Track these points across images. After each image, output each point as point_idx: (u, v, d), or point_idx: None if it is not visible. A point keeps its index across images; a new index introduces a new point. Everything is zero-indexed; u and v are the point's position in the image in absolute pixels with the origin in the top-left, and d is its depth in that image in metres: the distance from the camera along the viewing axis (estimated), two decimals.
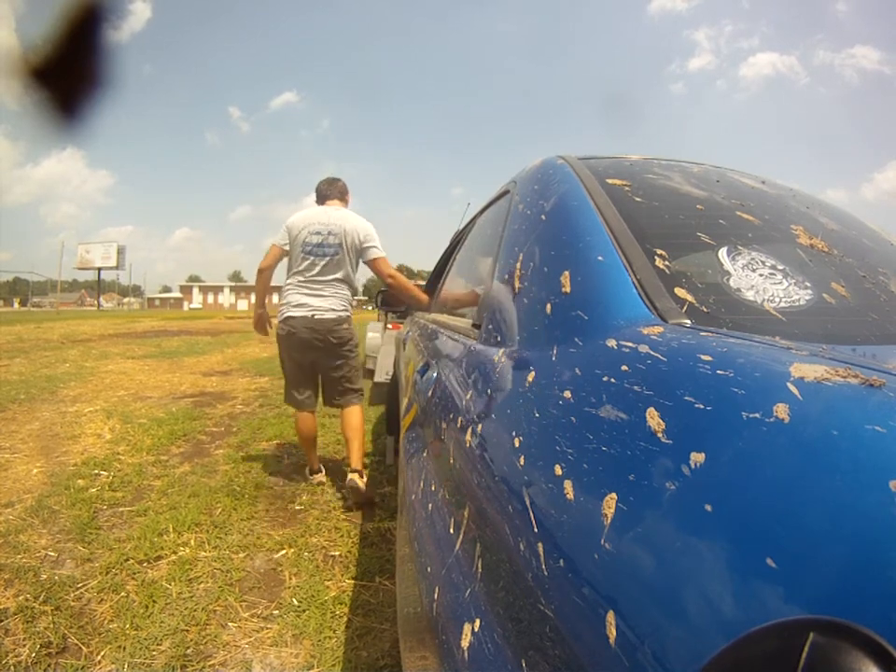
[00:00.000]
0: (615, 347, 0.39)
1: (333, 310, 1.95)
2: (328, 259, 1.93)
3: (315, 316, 1.92)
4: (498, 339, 0.62)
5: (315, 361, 2.03)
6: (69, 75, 0.38)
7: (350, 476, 1.90)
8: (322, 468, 2.25)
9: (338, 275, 1.96)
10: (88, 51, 0.37)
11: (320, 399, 2.20)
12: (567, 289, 0.50)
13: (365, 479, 1.93)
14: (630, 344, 0.38)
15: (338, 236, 1.92)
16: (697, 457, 0.25)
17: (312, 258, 1.93)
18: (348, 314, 2.01)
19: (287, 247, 1.99)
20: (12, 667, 1.13)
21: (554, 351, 0.46)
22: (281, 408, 3.69)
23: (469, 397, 0.59)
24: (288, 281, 2.01)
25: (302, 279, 1.95)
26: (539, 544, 0.32)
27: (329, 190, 2.06)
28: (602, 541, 0.27)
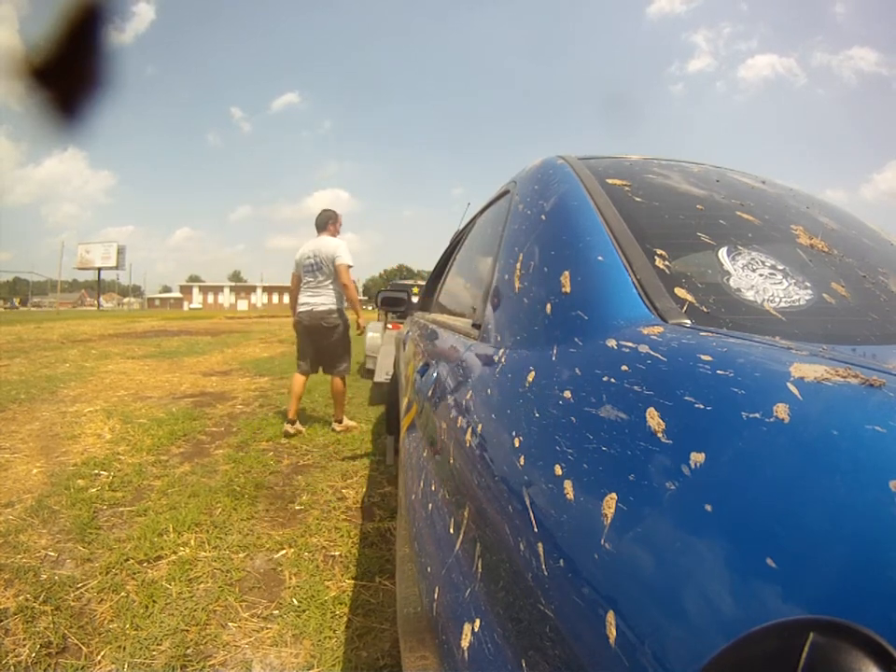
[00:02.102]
0: (615, 347, 0.39)
1: (325, 304, 2.95)
2: (318, 272, 2.95)
3: (314, 310, 2.94)
4: (498, 339, 0.62)
5: (315, 340, 3.01)
6: (71, 75, 0.38)
7: (333, 424, 3.16)
8: (297, 421, 3.07)
9: (328, 282, 2.96)
10: (90, 52, 0.37)
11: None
12: (567, 289, 0.50)
13: (343, 423, 3.13)
14: (630, 344, 0.38)
15: (319, 256, 2.94)
16: (697, 457, 0.25)
17: (309, 274, 2.97)
18: (337, 306, 2.98)
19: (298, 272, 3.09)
20: (12, 667, 1.13)
21: (554, 351, 0.46)
22: (281, 408, 3.70)
23: (468, 397, 0.59)
24: (301, 290, 3.03)
25: (307, 288, 2.99)
26: (539, 544, 0.32)
27: (317, 226, 3.09)
28: (602, 541, 0.27)
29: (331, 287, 2.94)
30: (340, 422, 3.12)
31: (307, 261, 2.95)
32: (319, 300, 2.93)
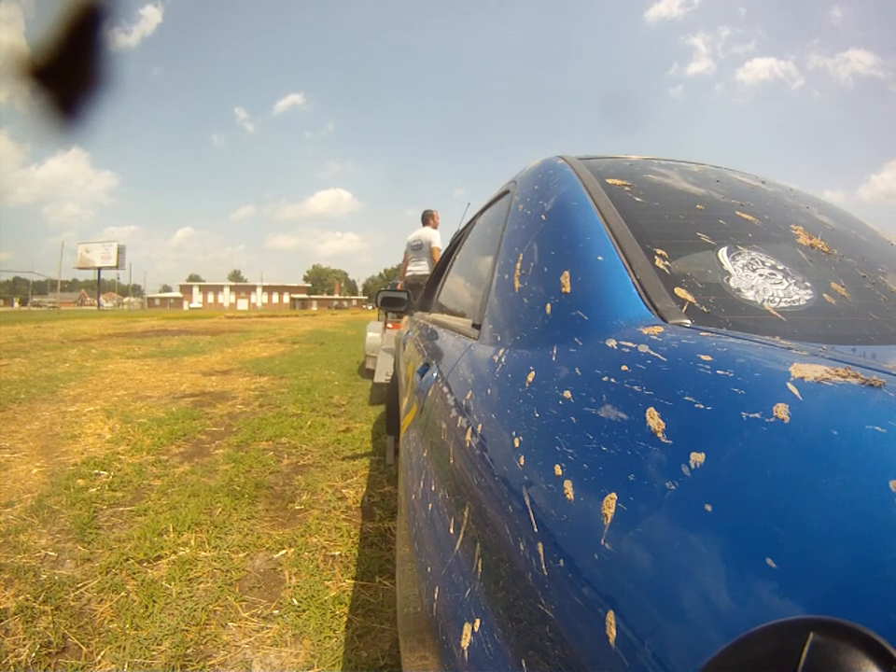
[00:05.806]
0: (615, 347, 0.39)
1: (424, 270, 4.40)
2: (420, 250, 4.50)
3: (416, 273, 4.44)
4: (498, 339, 0.62)
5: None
6: (76, 77, 0.38)
7: None
8: None
9: (425, 257, 4.46)
10: (95, 54, 0.37)
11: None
12: (567, 289, 0.50)
13: None
14: (630, 344, 0.38)
15: (421, 240, 4.51)
16: (697, 457, 0.25)
17: (414, 252, 4.56)
18: (429, 271, 4.16)
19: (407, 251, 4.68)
20: (12, 667, 1.14)
21: (554, 351, 0.46)
22: (281, 407, 3.70)
23: (468, 397, 0.59)
24: (410, 262, 4.58)
25: (413, 260, 4.55)
26: (539, 544, 0.32)
27: (422, 220, 4.67)
28: (602, 541, 0.27)
29: (427, 259, 4.47)
30: None
31: (415, 243, 4.56)
32: (419, 267, 4.51)
